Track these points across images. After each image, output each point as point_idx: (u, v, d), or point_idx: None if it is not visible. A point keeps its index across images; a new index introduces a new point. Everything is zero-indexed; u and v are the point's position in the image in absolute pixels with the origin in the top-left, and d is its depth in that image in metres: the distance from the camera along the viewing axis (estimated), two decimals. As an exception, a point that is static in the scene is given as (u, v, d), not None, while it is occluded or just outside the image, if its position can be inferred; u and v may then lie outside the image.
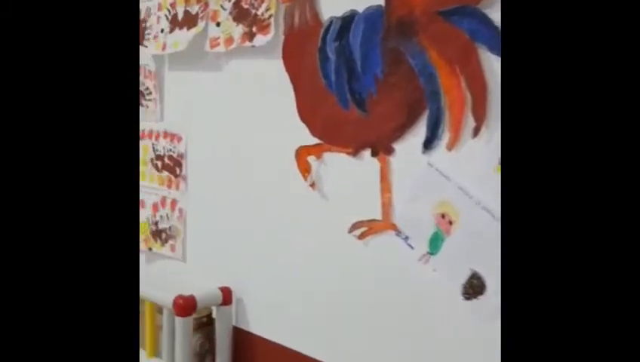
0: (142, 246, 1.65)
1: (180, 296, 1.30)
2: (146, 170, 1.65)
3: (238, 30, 1.31)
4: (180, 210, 1.55)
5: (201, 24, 1.38)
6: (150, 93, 1.61)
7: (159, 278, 1.59)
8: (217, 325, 1.37)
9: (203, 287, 1.37)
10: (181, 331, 1.30)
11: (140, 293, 1.44)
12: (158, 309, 1.43)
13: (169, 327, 1.36)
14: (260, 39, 1.25)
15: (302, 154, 1.21)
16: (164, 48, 1.50)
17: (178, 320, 1.30)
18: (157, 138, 1.61)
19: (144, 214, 1.65)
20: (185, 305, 1.29)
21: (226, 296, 1.36)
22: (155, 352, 1.45)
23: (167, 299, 1.35)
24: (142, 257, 1.69)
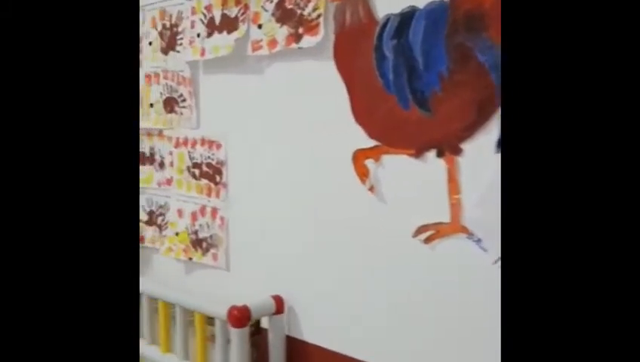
0: (182, 256, 1.61)
1: (235, 307, 1.27)
2: (182, 178, 1.61)
3: (282, 32, 1.27)
4: (222, 219, 1.51)
5: (242, 27, 1.35)
6: (185, 100, 1.57)
7: (202, 288, 1.56)
8: (270, 335, 1.34)
9: (253, 297, 1.34)
10: (237, 342, 1.26)
11: (188, 304, 1.41)
12: (208, 320, 1.39)
13: (222, 338, 1.33)
14: (308, 40, 1.22)
15: (359, 157, 1.17)
16: (202, 54, 1.46)
17: (233, 331, 1.26)
18: (193, 145, 1.57)
19: (183, 223, 1.61)
20: (240, 316, 1.26)
21: (279, 305, 1.33)
22: (206, 364, 1.42)
23: (218, 309, 1.31)
24: (181, 267, 1.65)
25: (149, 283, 1.55)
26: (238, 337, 1.26)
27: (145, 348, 1.55)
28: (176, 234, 1.63)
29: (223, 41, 1.40)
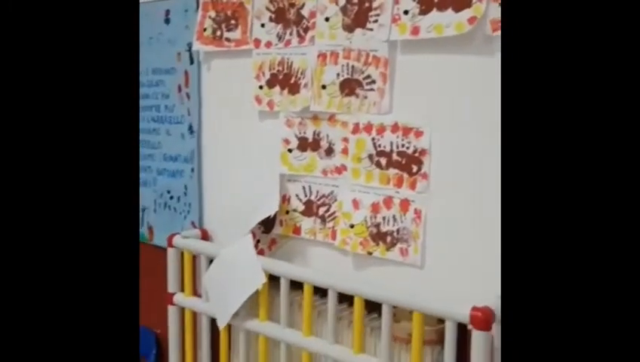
0: (359, 249, 1.50)
1: (477, 308, 1.17)
2: (360, 167, 1.49)
3: (537, 12, 1.17)
4: (417, 211, 1.41)
5: (479, 5, 1.24)
6: (373, 82, 1.45)
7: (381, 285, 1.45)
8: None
9: (458, 302, 1.24)
10: (481, 348, 1.17)
11: (401, 302, 1.31)
12: (427, 321, 1.30)
13: (451, 342, 1.23)
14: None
15: None
16: (415, 32, 1.34)
17: (477, 334, 1.17)
18: (380, 132, 1.46)
19: (360, 215, 1.50)
20: (484, 318, 1.16)
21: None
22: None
23: (447, 310, 1.22)
24: (349, 261, 1.54)
25: (336, 279, 1.44)
26: (483, 343, 1.16)
27: (329, 347, 1.43)
28: (351, 226, 1.52)
29: (448, 20, 1.29)
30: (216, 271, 1.66)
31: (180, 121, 1.95)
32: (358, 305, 1.38)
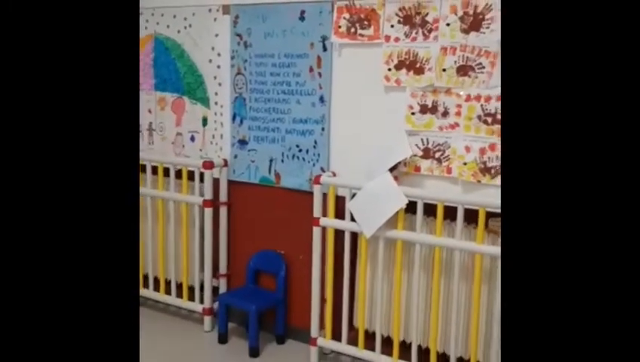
0: (471, 179, 2.26)
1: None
2: (471, 124, 2.25)
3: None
4: (513, 152, 2.18)
5: (567, 21, 2.00)
6: (483, 67, 2.20)
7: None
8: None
9: None
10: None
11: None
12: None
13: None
14: None
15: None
16: (521, 36, 2.09)
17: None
18: (487, 100, 2.21)
19: (471, 156, 2.26)
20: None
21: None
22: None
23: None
24: (459, 188, 2.30)
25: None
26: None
27: (459, 242, 2.20)
28: (464, 163, 2.27)
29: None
30: (361, 199, 2.38)
31: (310, 93, 2.63)
32: (482, 214, 2.15)
